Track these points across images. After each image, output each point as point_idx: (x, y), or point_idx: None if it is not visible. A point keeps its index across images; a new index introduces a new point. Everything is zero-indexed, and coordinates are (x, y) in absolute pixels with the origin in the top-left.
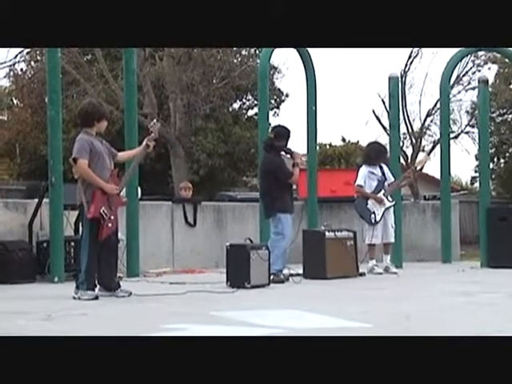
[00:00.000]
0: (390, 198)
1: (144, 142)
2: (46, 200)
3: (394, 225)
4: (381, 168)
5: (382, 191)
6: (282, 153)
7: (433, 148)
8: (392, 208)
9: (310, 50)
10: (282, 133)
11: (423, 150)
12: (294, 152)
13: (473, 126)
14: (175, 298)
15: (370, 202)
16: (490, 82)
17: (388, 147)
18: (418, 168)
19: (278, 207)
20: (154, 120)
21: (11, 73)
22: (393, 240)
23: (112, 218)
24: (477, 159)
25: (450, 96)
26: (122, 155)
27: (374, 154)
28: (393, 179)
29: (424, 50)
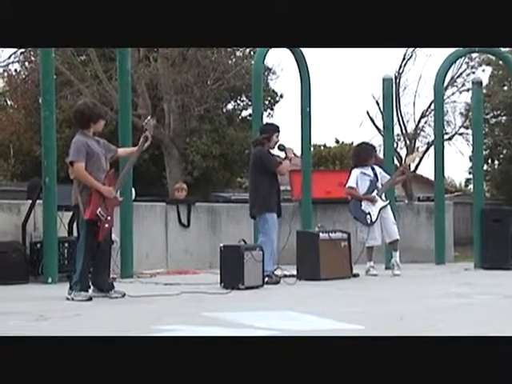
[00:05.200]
0: (383, 198)
1: (141, 139)
2: (39, 201)
3: (395, 221)
4: (373, 169)
5: (375, 191)
6: (277, 150)
7: (427, 149)
8: (389, 206)
9: (305, 50)
10: (265, 128)
11: (417, 151)
12: (287, 148)
13: (467, 128)
14: (169, 299)
15: (364, 203)
16: (484, 84)
17: (382, 148)
18: (410, 163)
19: (266, 207)
20: (149, 117)
21: (5, 73)
22: (397, 237)
23: (109, 218)
24: (471, 161)
25: (444, 97)
26: (123, 151)
27: (363, 153)
28: (388, 177)
29: (418, 51)
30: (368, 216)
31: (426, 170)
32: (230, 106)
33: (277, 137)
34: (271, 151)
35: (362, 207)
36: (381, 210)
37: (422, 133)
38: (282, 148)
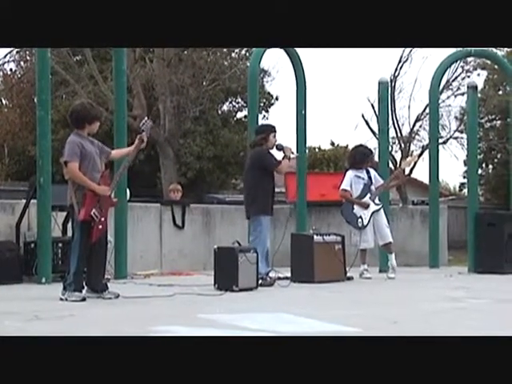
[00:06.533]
0: (377, 201)
1: (137, 140)
2: (33, 201)
3: (388, 224)
4: (367, 172)
5: (368, 195)
6: (275, 150)
7: (421, 153)
8: (382, 209)
9: (300, 53)
10: (261, 128)
11: (411, 155)
12: (285, 146)
13: (461, 132)
14: (163, 301)
15: (356, 207)
16: (479, 88)
17: (377, 151)
18: (405, 168)
19: (260, 208)
20: (146, 118)
21: (0, 72)
22: (390, 239)
23: (102, 219)
24: (465, 165)
25: (439, 101)
26: (116, 152)
27: (359, 156)
28: (381, 182)
29: (414, 55)
30: (359, 220)
31: (421, 173)
32: (225, 108)
33: (274, 137)
34: (270, 152)
35: (354, 210)
36: (373, 213)
37: (417, 136)
38: (280, 147)
